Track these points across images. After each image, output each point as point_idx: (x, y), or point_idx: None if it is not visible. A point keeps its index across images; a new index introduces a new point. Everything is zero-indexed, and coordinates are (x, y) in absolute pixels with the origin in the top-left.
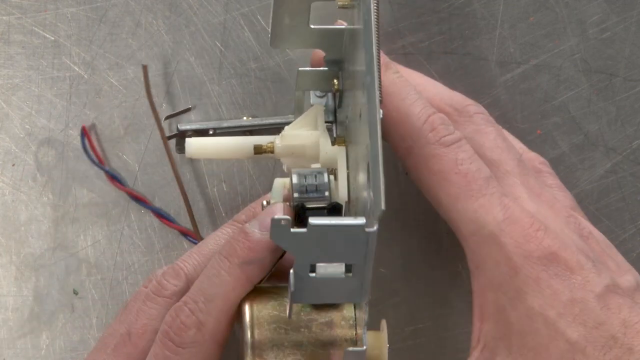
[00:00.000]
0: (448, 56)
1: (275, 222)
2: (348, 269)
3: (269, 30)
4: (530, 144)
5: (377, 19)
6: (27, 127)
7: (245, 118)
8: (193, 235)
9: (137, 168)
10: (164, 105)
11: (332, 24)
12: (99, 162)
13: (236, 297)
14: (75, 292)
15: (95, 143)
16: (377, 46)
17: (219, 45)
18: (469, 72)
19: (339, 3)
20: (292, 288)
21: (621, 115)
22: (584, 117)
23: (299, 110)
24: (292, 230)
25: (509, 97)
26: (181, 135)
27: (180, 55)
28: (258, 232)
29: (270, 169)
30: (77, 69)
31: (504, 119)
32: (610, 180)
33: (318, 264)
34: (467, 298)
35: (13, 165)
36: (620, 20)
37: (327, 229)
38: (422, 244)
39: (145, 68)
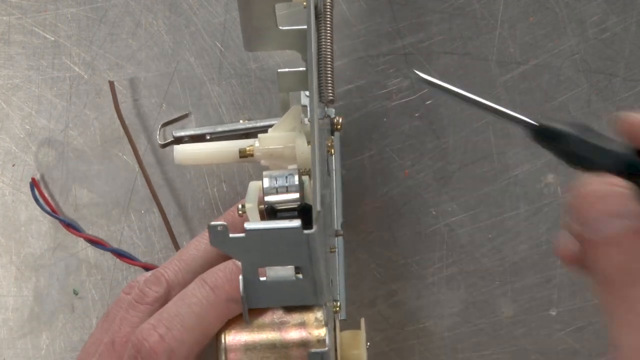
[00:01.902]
0: (448, 56)
1: (212, 228)
2: (298, 271)
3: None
4: (530, 144)
5: (330, 17)
6: (27, 127)
7: (241, 121)
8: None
9: (137, 168)
10: (164, 105)
11: (302, 25)
12: (53, 212)
13: (214, 331)
14: (75, 292)
15: (45, 190)
16: (327, 44)
17: (219, 45)
18: (469, 72)
19: (303, 3)
20: (242, 293)
21: None
22: (584, 117)
23: (285, 111)
24: (230, 235)
25: (509, 97)
26: (177, 142)
27: (180, 55)
28: None
29: (266, 169)
30: (77, 69)
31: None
32: None
33: (268, 267)
34: (466, 298)
35: (13, 165)
36: (620, 20)
37: (264, 233)
38: (422, 244)
39: (111, 84)
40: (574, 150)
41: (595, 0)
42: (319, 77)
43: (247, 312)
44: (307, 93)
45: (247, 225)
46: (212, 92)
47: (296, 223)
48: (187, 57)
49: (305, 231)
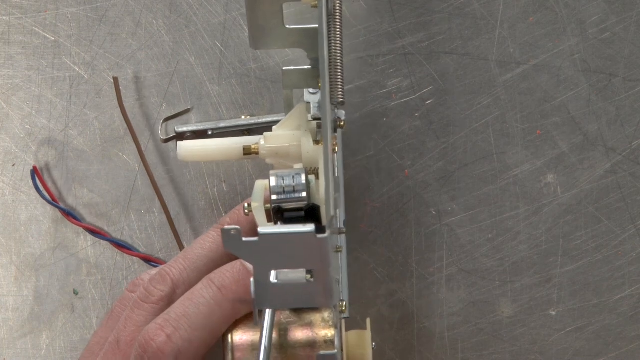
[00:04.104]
0: (448, 56)
1: (225, 232)
2: (309, 274)
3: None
4: (530, 144)
5: (340, 18)
6: (27, 127)
7: (243, 117)
8: (156, 261)
9: (137, 168)
10: (164, 105)
11: (308, 24)
12: (53, 201)
13: (221, 331)
14: (75, 292)
15: (48, 178)
16: (337, 46)
17: (219, 45)
18: (469, 72)
19: (311, 3)
20: (253, 295)
21: (621, 115)
22: (583, 117)
23: (288, 108)
24: (243, 239)
25: (509, 97)
26: (179, 137)
27: (180, 55)
28: None
29: (270, 168)
30: (77, 69)
31: (504, 119)
32: (610, 180)
33: (279, 270)
34: (466, 298)
35: (13, 165)
36: (620, 20)
37: (277, 238)
38: (422, 244)
39: (116, 80)
40: None
41: (595, 0)
42: (330, 79)
43: (257, 314)
44: (311, 90)
45: (261, 230)
46: (212, 92)
47: (309, 228)
48: (187, 57)
49: (319, 236)
